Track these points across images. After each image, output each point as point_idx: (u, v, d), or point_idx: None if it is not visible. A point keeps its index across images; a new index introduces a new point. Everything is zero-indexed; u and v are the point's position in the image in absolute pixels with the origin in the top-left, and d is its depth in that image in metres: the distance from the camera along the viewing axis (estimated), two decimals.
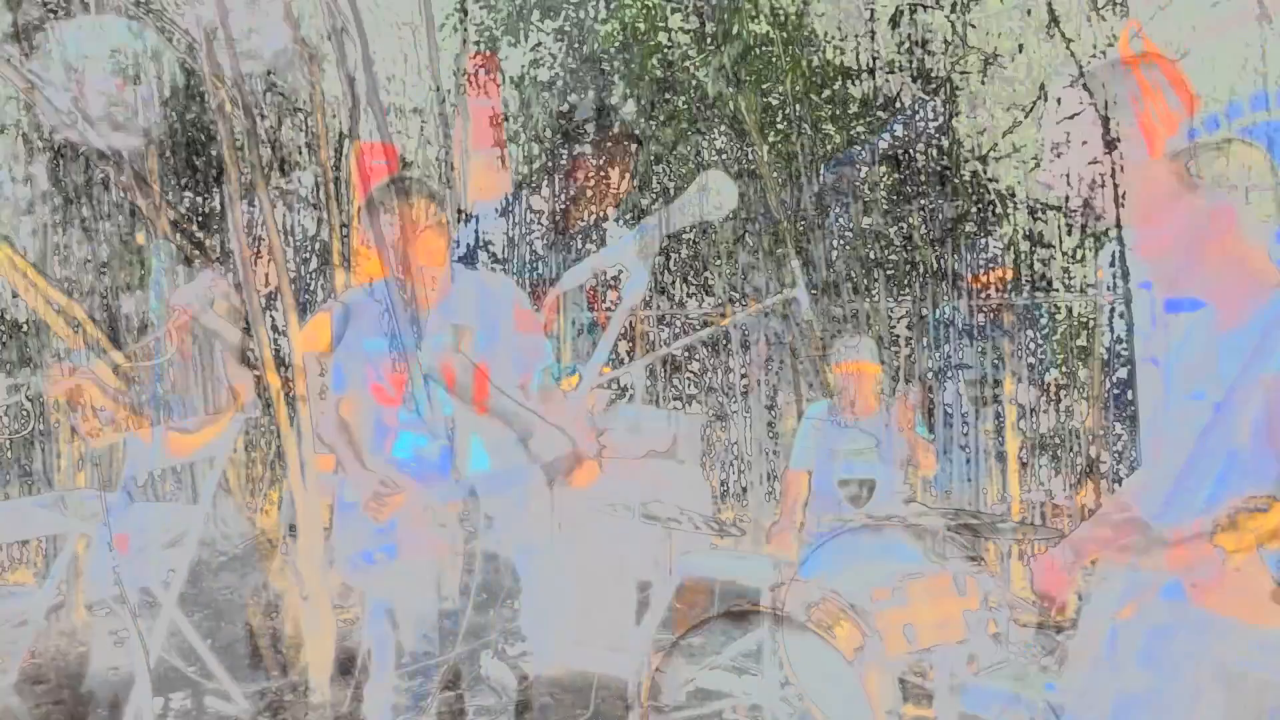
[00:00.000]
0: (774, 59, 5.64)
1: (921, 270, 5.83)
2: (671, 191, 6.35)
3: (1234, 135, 1.80)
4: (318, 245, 6.05)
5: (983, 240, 5.51)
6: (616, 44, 6.01)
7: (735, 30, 5.42)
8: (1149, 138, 2.95)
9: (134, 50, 4.86)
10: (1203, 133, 2.50)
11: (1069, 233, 5.85)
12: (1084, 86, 2.19)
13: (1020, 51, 5.19)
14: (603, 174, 2.98)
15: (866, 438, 4.27)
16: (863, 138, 5.81)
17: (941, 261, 5.83)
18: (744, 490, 6.64)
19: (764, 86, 5.77)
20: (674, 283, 6.90)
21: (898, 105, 5.76)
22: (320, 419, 3.02)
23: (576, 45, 6.30)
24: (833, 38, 5.83)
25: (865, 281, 5.81)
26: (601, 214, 5.79)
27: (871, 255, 5.75)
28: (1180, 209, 1.77)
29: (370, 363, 2.86)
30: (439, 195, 2.94)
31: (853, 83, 5.73)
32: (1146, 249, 1.83)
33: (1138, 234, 1.83)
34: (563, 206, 3.00)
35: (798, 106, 5.70)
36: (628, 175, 2.94)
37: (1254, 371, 1.65)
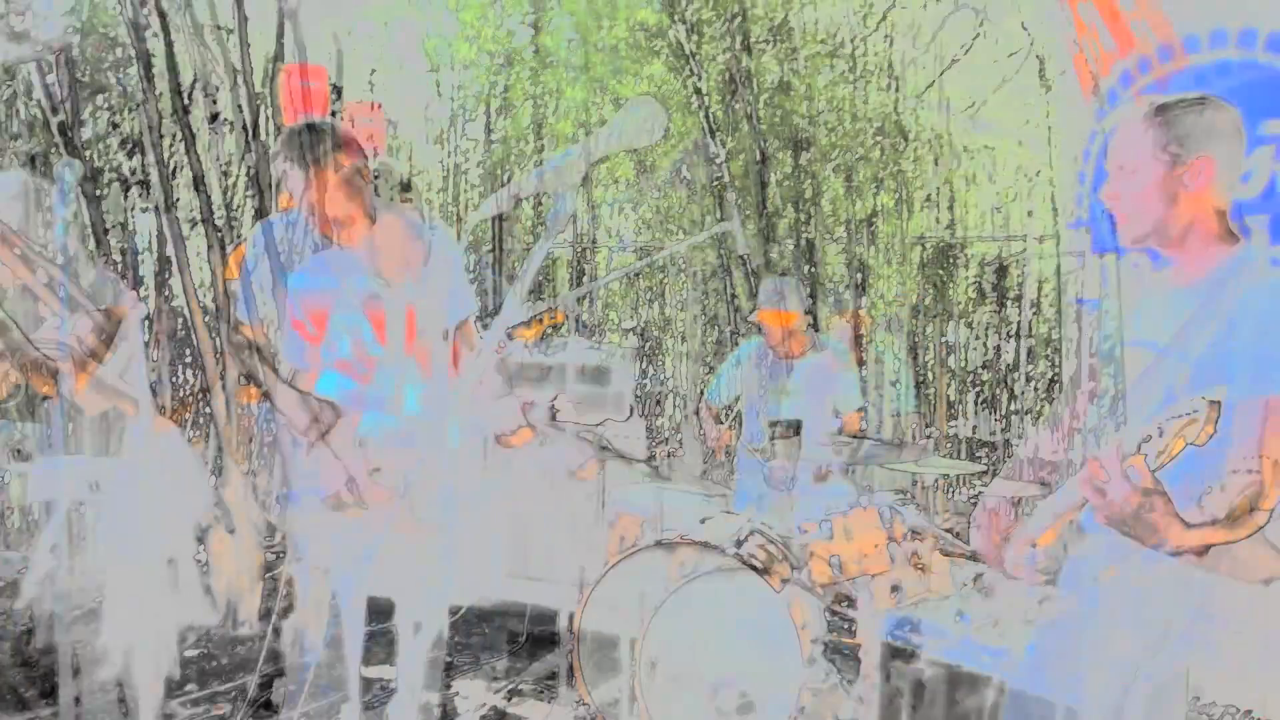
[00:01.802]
0: None
1: (857, 210, 5.86)
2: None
3: (1209, 95, 1.80)
4: (245, 171, 5.85)
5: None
6: None
7: None
8: (1083, 77, 2.96)
9: None
10: (1136, 73, 2.51)
11: (996, 175, 5.92)
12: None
13: None
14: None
15: (794, 379, 4.30)
16: (799, 72, 5.76)
17: (877, 200, 5.86)
18: (678, 427, 6.69)
19: (703, 15, 5.67)
20: (610, 215, 6.84)
21: (837, 37, 5.72)
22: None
23: None
24: None
25: (803, 218, 5.82)
26: None
27: (808, 194, 5.75)
28: (1158, 162, 1.78)
29: (290, 297, 2.68)
30: (349, 143, 2.55)
31: (793, 12, 5.66)
32: (1115, 197, 1.84)
33: (1111, 183, 1.85)
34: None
35: (739, 39, 5.62)
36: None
37: (1202, 321, 1.69)
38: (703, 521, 3.41)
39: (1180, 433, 1.44)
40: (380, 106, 5.18)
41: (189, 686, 3.52)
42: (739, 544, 3.17)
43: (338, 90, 6.14)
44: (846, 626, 3.53)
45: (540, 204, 6.52)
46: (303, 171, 2.51)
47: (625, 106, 1.63)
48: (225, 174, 6.03)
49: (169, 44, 4.07)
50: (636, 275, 6.67)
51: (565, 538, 4.00)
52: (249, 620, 4.04)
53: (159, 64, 4.08)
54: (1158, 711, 1.75)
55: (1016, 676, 1.90)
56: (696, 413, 4.58)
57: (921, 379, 6.18)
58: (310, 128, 2.57)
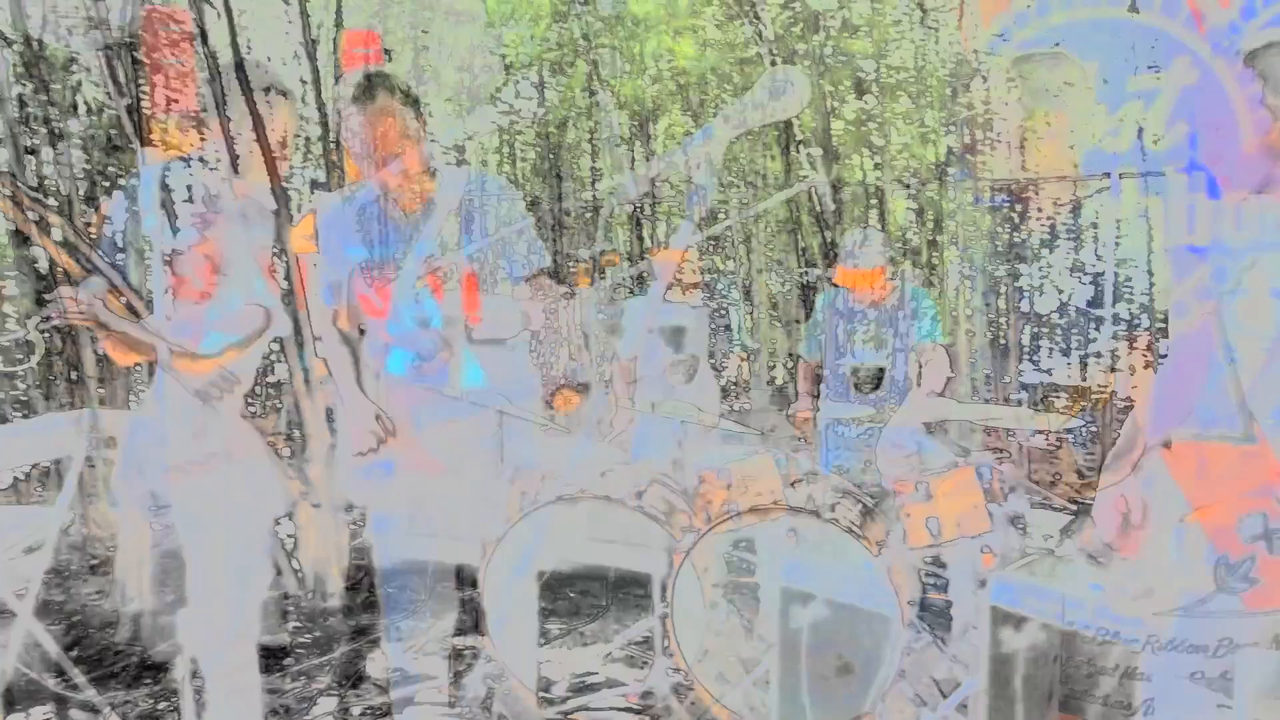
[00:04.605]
0: None
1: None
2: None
3: None
4: (306, 143, 5.81)
5: None
6: None
7: None
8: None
9: None
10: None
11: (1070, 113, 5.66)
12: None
13: None
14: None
15: (877, 327, 4.22)
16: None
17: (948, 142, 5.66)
18: (747, 384, 6.61)
19: None
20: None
21: None
22: (322, 333, 2.89)
23: None
24: None
25: (871, 165, 5.63)
26: None
27: (875, 140, 5.56)
28: (1256, 117, 1.67)
29: (357, 272, 2.73)
30: (409, 96, 2.63)
31: None
32: (1214, 160, 1.73)
33: (1205, 145, 1.74)
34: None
35: None
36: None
37: None
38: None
39: None
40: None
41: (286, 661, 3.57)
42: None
43: (388, 53, 6.06)
44: (937, 585, 3.47)
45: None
46: (363, 116, 2.56)
47: (762, 79, 1.56)
48: (282, 145, 5.98)
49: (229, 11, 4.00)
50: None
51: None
52: (335, 591, 4.06)
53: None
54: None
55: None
56: (792, 373, 4.53)
57: (996, 325, 6.02)
58: (372, 75, 2.63)
